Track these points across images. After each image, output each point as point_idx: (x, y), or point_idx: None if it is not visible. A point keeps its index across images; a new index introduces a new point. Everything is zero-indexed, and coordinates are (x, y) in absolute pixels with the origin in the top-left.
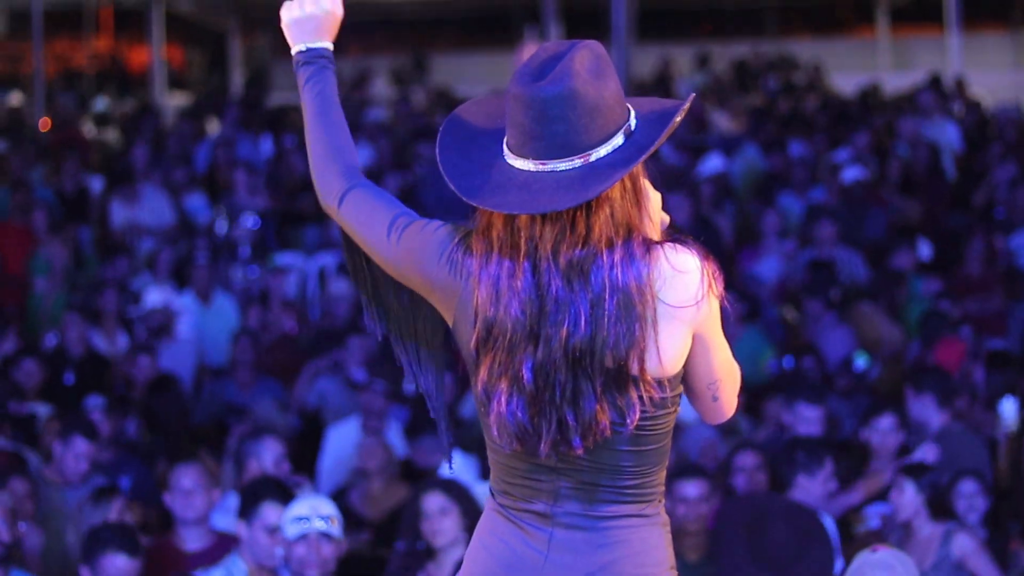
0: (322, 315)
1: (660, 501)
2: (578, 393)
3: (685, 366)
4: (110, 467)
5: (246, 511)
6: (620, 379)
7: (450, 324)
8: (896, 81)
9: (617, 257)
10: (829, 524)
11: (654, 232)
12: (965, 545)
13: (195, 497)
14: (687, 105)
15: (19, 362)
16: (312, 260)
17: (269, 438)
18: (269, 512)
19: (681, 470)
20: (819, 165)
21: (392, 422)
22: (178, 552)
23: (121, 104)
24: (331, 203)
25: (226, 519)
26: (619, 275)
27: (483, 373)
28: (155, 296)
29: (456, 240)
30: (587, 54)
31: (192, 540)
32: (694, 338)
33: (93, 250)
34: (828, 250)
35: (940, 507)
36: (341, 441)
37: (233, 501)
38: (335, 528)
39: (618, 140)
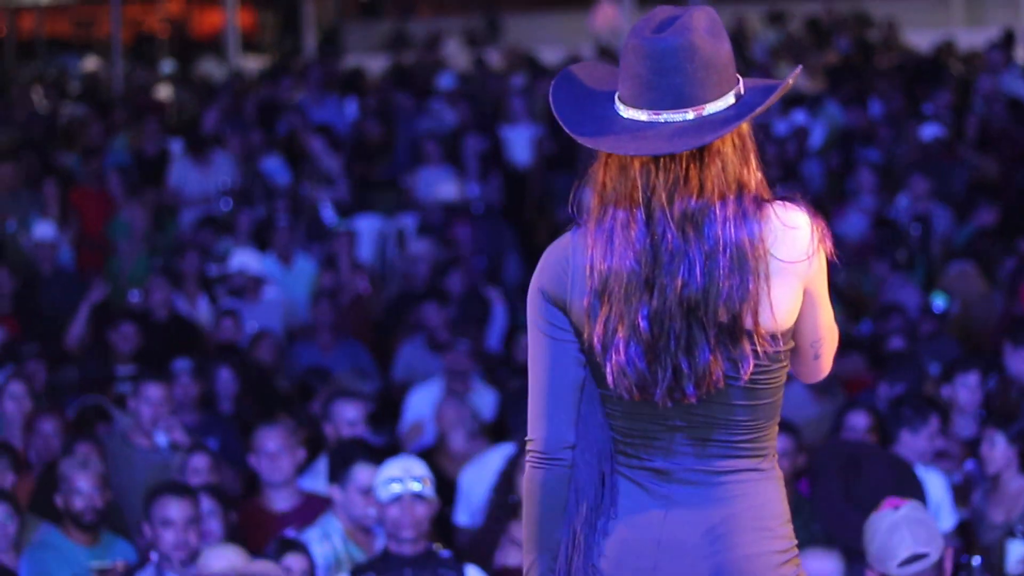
0: (402, 277)
1: (774, 456)
2: (692, 342)
3: (795, 322)
4: (197, 429)
5: (337, 474)
6: (734, 331)
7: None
8: (969, 37)
9: (730, 212)
10: (935, 479)
11: (763, 190)
12: None
13: (280, 459)
14: (792, 78)
15: (117, 325)
16: (391, 222)
17: (346, 401)
18: (361, 474)
19: None
20: (899, 122)
21: (477, 382)
22: (266, 513)
23: (193, 67)
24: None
25: (315, 481)
26: (732, 230)
27: (599, 327)
28: (241, 258)
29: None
30: (704, 14)
31: (280, 501)
32: (804, 294)
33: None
34: (923, 205)
35: None
36: (422, 403)
37: (322, 464)
38: (428, 488)
39: (730, 99)
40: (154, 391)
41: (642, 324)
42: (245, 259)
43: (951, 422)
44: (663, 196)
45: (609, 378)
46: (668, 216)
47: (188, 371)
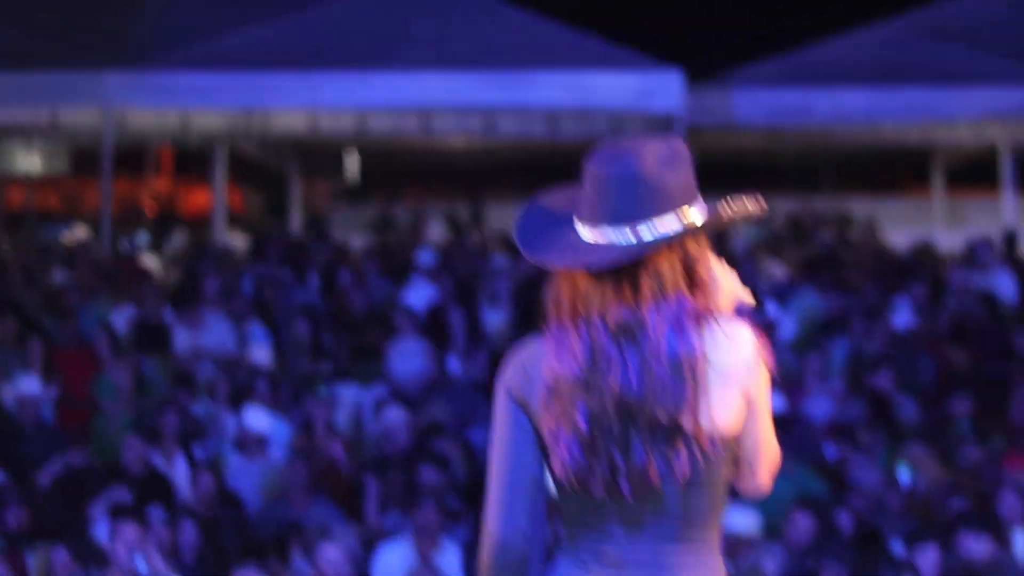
0: (377, 444)
1: (719, 551)
2: (628, 443)
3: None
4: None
5: None
6: (671, 434)
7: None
8: (950, 239)
9: (664, 326)
10: None
11: (709, 306)
12: None
13: None
14: (739, 208)
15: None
16: (368, 391)
17: (329, 543)
18: None
19: None
20: (873, 313)
21: (448, 543)
22: None
23: (176, 243)
24: None
25: None
26: (667, 342)
27: (549, 423)
28: (252, 416)
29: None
30: (662, 145)
31: None
32: (746, 404)
33: (160, 376)
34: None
35: None
36: (391, 559)
37: None
38: None
39: (673, 223)
40: (130, 531)
41: (581, 424)
42: (255, 416)
43: None
44: (599, 307)
45: (556, 470)
46: (603, 326)
47: (162, 520)
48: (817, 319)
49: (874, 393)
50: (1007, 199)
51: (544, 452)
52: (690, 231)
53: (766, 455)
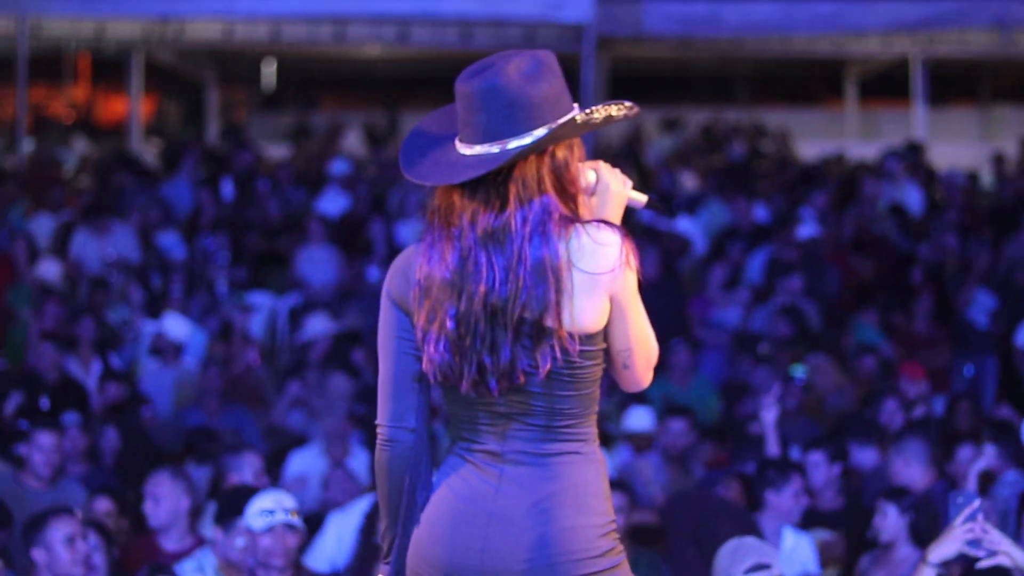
0: (295, 351)
1: (594, 441)
2: (495, 342)
3: (606, 329)
4: (85, 480)
5: (224, 516)
6: (536, 332)
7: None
8: (862, 150)
9: (528, 230)
10: (803, 542)
11: (586, 213)
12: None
13: (167, 501)
14: (605, 111)
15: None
16: (283, 300)
17: (249, 453)
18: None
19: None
20: (780, 224)
21: (358, 449)
22: (158, 552)
23: (96, 150)
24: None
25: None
26: (532, 248)
27: (420, 321)
28: (168, 322)
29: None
30: (526, 59)
31: (170, 542)
32: (611, 303)
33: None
34: (791, 302)
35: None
36: (302, 465)
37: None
38: (298, 520)
39: (540, 132)
40: (45, 439)
41: (449, 324)
42: (172, 324)
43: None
44: (468, 217)
45: (424, 366)
46: (472, 233)
47: (76, 425)
48: (725, 229)
49: (781, 302)
50: (918, 111)
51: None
52: (553, 138)
53: (637, 354)
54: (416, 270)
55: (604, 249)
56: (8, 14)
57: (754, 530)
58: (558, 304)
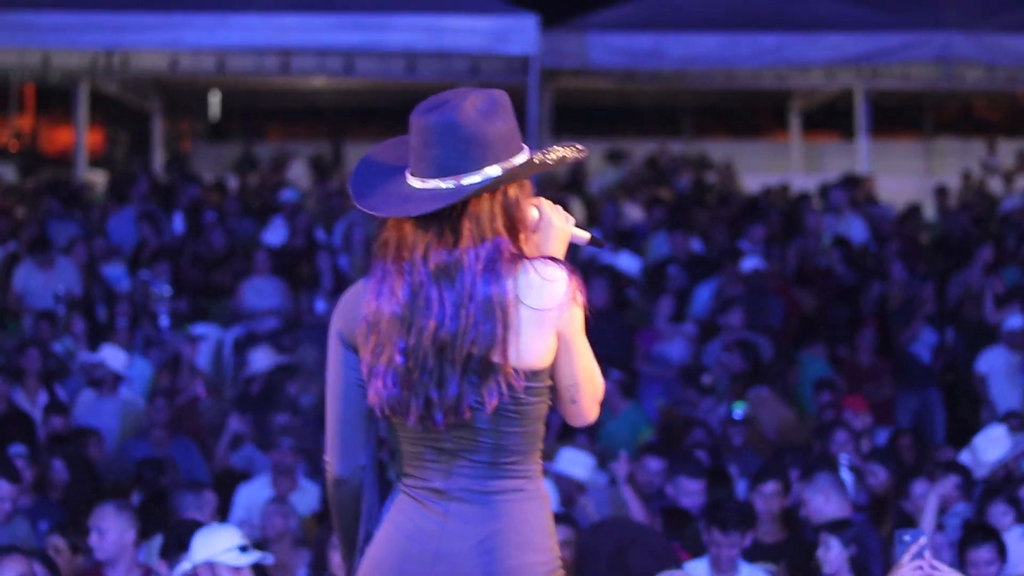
0: (239, 384)
1: (538, 477)
2: (443, 377)
3: (552, 365)
4: (31, 511)
5: (169, 550)
6: (483, 368)
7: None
8: (805, 183)
9: (480, 267)
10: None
11: (531, 249)
12: None
13: (112, 534)
14: (564, 155)
15: None
16: (228, 331)
17: (208, 492)
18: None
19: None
20: (720, 255)
21: (305, 481)
22: None
23: (36, 179)
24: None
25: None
26: (482, 285)
27: (366, 356)
28: (107, 353)
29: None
30: (482, 97)
31: (118, 575)
32: (558, 339)
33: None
34: (736, 336)
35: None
36: (251, 498)
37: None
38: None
39: (494, 171)
40: (4, 487)
41: (398, 358)
42: (111, 354)
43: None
44: (421, 251)
45: (371, 399)
46: (424, 268)
47: (23, 456)
48: (669, 262)
49: (727, 336)
50: (862, 143)
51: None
52: (509, 177)
53: (583, 390)
54: (363, 305)
55: (551, 285)
56: None
57: (674, 559)
58: (505, 340)
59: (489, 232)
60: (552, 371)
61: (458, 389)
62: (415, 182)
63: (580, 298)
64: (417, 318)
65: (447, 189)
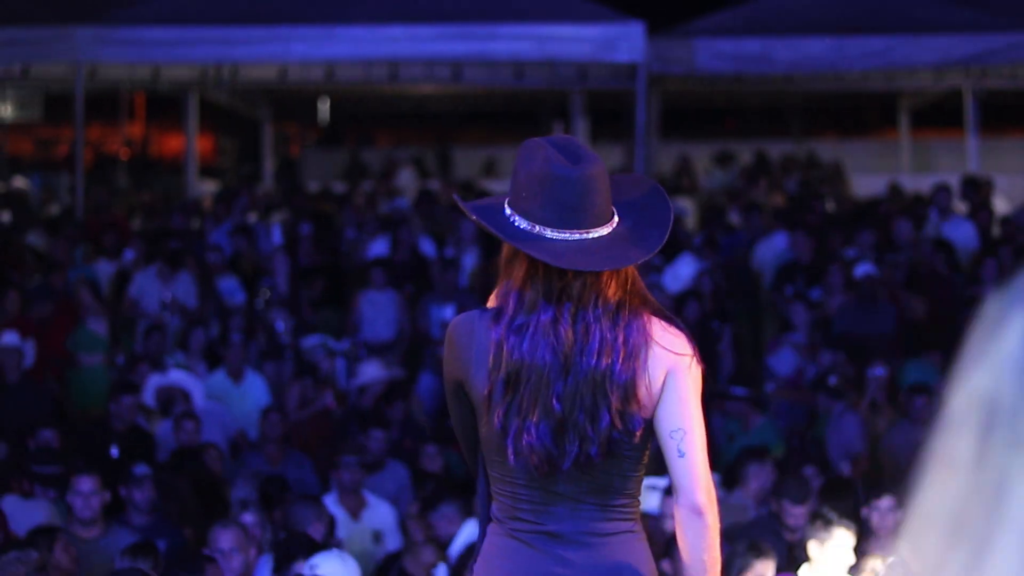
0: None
1: (640, 519)
2: (596, 409)
3: (656, 409)
4: (148, 530)
5: (281, 566)
6: (626, 399)
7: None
8: (916, 183)
9: (627, 312)
10: None
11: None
12: None
13: (232, 559)
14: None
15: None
16: (339, 343)
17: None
18: (303, 568)
19: None
20: (833, 261)
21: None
22: None
23: (151, 189)
24: None
25: None
26: (632, 329)
27: (500, 411)
28: (174, 374)
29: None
30: (600, 162)
31: None
32: (666, 378)
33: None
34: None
35: None
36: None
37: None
38: None
39: (615, 216)
40: (86, 484)
41: (555, 405)
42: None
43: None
44: (582, 298)
45: (511, 457)
46: (591, 314)
47: (147, 476)
48: (784, 265)
49: (841, 343)
50: (971, 142)
51: (487, 437)
52: (658, 240)
53: (692, 441)
54: (490, 353)
55: (677, 337)
56: (66, 61)
57: None
58: (635, 384)
59: (636, 285)
60: (657, 415)
61: (610, 418)
62: (574, 234)
63: (697, 359)
64: (578, 360)
65: (607, 236)
